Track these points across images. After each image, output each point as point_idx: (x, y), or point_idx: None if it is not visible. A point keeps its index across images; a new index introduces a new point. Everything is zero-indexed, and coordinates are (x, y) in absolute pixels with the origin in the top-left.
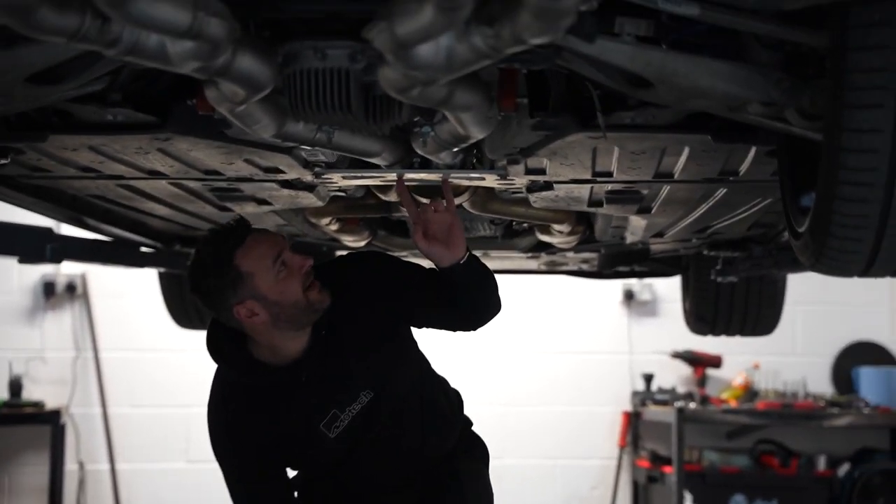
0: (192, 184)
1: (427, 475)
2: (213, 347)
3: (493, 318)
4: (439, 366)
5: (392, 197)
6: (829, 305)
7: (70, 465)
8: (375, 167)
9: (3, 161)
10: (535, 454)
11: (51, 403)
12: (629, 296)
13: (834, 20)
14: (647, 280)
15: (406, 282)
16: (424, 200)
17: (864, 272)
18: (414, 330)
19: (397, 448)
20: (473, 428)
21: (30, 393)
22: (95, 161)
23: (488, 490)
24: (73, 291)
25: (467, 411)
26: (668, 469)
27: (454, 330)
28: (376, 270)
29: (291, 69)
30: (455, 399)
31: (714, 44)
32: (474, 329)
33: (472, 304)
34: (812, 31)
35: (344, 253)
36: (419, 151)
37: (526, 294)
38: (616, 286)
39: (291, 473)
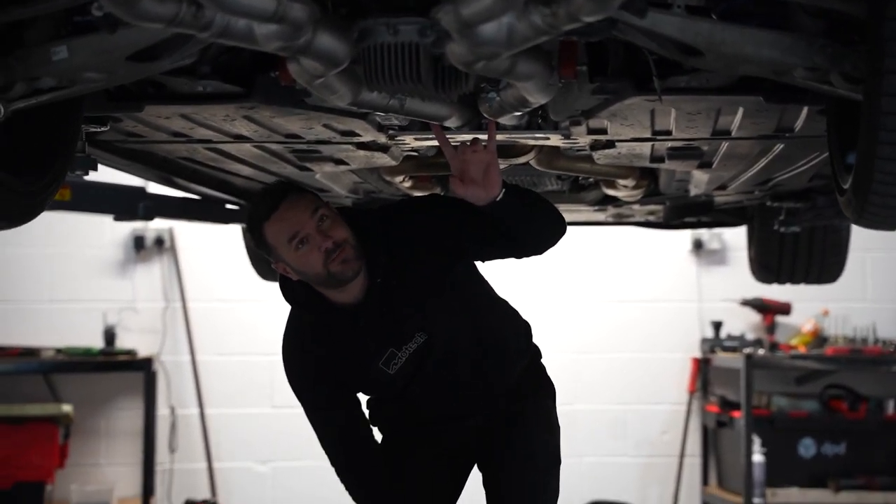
0: (274, 146)
1: (494, 406)
2: (284, 287)
3: (556, 241)
4: None
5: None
6: None
7: (162, 410)
8: (446, 129)
9: (103, 129)
10: (606, 400)
11: (143, 351)
12: (698, 245)
13: None
14: (716, 229)
15: (460, 221)
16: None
17: None
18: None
19: (455, 381)
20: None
21: (123, 342)
22: (186, 127)
23: (554, 426)
24: (162, 245)
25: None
26: (736, 414)
27: (519, 257)
28: (430, 214)
29: (366, 44)
30: (524, 332)
31: (761, 12)
32: (540, 254)
33: (526, 234)
34: (852, 0)
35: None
36: (486, 115)
37: (596, 244)
38: (685, 235)
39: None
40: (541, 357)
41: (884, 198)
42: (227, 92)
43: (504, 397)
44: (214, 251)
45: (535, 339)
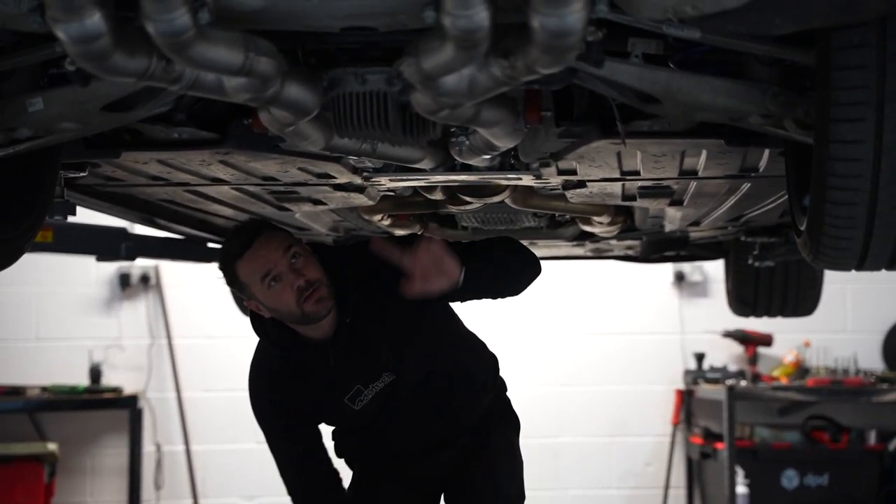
0: (251, 188)
1: (457, 441)
2: (255, 322)
3: (531, 282)
4: (494, 347)
5: (437, 195)
6: (878, 283)
7: (148, 447)
8: (420, 170)
9: (81, 174)
10: (590, 432)
11: (128, 389)
12: (680, 277)
13: (819, 42)
14: (697, 262)
15: None
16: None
17: (859, 267)
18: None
19: (422, 417)
20: (509, 394)
21: (109, 379)
22: (163, 171)
23: (518, 460)
24: (147, 282)
25: (523, 392)
26: (720, 445)
27: (495, 299)
28: None
29: (335, 93)
30: (491, 367)
31: (717, 60)
32: (516, 295)
33: (498, 289)
34: (802, 50)
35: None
36: (456, 158)
37: (579, 277)
38: (667, 268)
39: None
40: (506, 390)
41: (835, 240)
42: (202, 138)
43: (470, 431)
44: (199, 288)
45: (509, 372)
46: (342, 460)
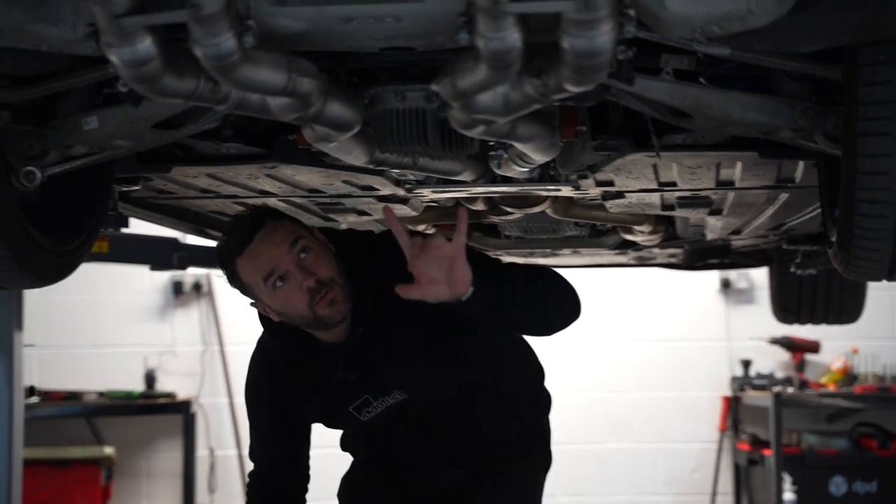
0: (298, 200)
1: (469, 464)
2: (263, 317)
3: (565, 325)
4: (540, 354)
5: (479, 206)
6: None
7: (201, 451)
8: (461, 182)
9: (135, 188)
10: (636, 438)
11: (182, 394)
12: (726, 284)
13: (846, 58)
14: (743, 269)
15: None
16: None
17: (889, 277)
18: None
19: (432, 437)
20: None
21: (163, 385)
22: (213, 184)
23: (537, 495)
24: (200, 290)
25: (570, 398)
26: (767, 452)
27: (519, 332)
28: None
29: (376, 109)
30: (529, 387)
31: (748, 75)
32: (540, 336)
33: (522, 323)
34: (829, 65)
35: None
36: (496, 171)
37: (626, 284)
38: (713, 276)
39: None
40: (548, 411)
41: (864, 251)
42: (249, 153)
43: (487, 456)
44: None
45: (557, 378)
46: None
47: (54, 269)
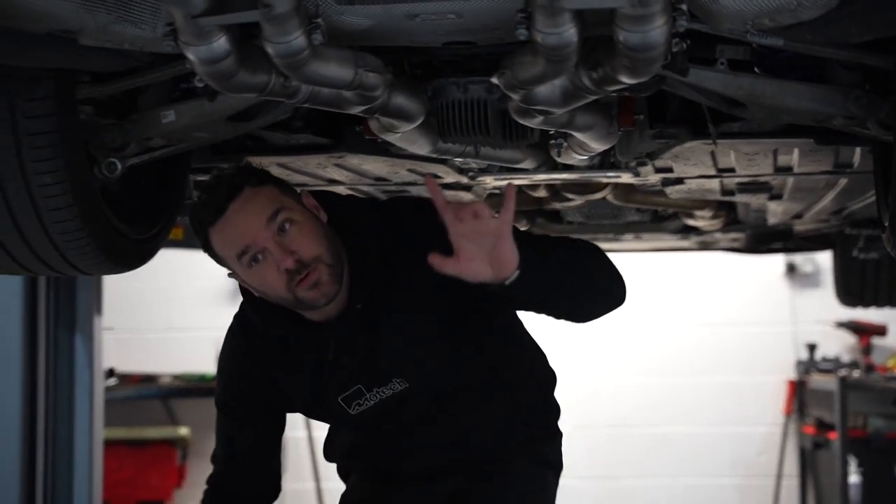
0: (365, 188)
1: (472, 470)
2: (244, 290)
3: (607, 311)
4: (601, 339)
5: (541, 193)
6: None
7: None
8: (522, 169)
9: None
10: (702, 422)
11: None
12: (791, 268)
13: None
14: (808, 253)
15: None
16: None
17: None
18: None
19: (430, 437)
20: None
21: None
22: (283, 174)
23: (548, 497)
24: None
25: (635, 382)
26: (832, 436)
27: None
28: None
29: (439, 101)
30: (538, 388)
31: (802, 65)
32: (581, 322)
33: (561, 309)
34: (882, 55)
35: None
36: (556, 159)
37: (690, 268)
38: (778, 259)
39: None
40: (557, 418)
41: None
42: (317, 143)
43: (487, 464)
44: None
45: (622, 362)
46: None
47: (134, 256)
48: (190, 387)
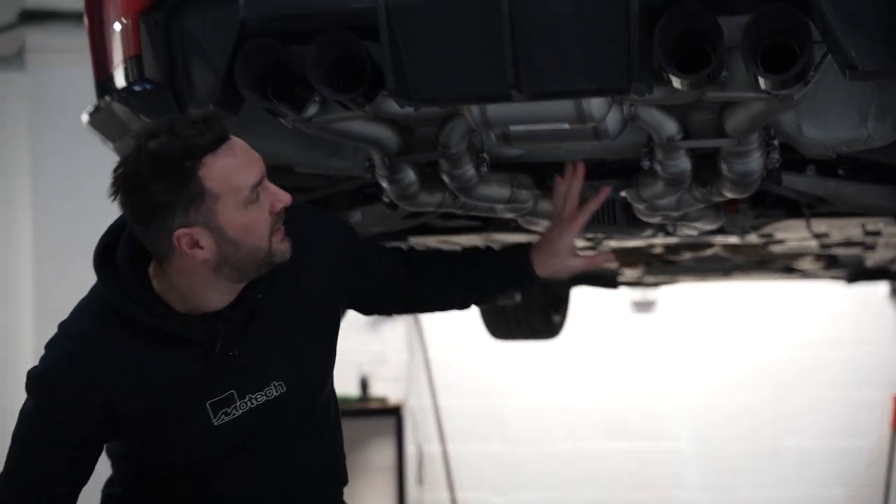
0: None
1: None
2: (103, 261)
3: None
4: (718, 355)
5: (658, 250)
6: None
7: (410, 448)
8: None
9: None
10: (810, 434)
11: (392, 396)
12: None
13: None
14: None
15: (373, 260)
16: None
17: None
18: None
19: (285, 467)
20: None
21: (375, 389)
22: (442, 244)
23: None
24: None
25: (746, 396)
26: None
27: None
28: (346, 235)
29: None
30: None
31: (881, 166)
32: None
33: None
34: None
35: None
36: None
37: (797, 287)
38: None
39: None
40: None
41: None
42: (470, 226)
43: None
44: None
45: (734, 376)
46: None
47: None
48: None
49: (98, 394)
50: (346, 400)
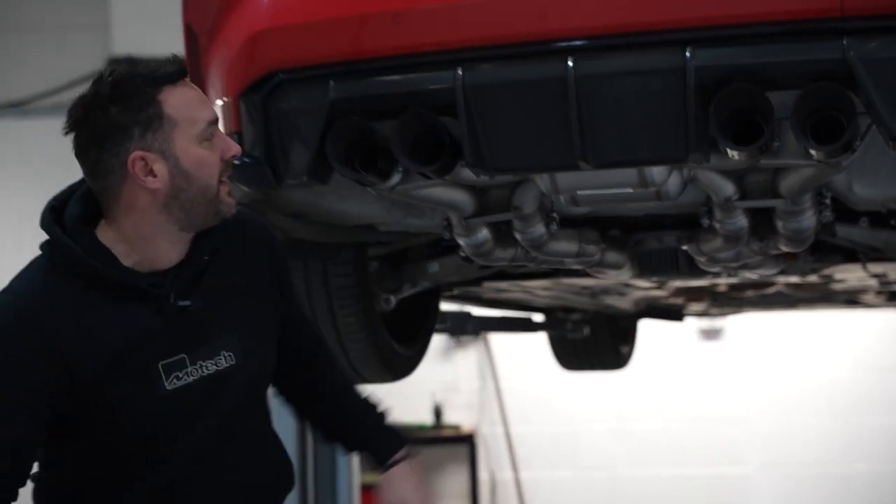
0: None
1: None
2: (52, 220)
3: None
4: (773, 380)
5: (722, 289)
6: None
7: (483, 475)
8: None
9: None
10: (882, 460)
11: (465, 424)
12: None
13: None
14: None
15: (294, 300)
16: None
17: None
18: None
19: (231, 465)
20: None
21: (448, 417)
22: (506, 290)
23: None
24: (477, 335)
25: (819, 423)
26: None
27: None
28: (285, 259)
29: (640, 249)
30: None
31: None
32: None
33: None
34: None
35: None
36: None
37: (862, 315)
38: None
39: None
40: None
41: None
42: (537, 272)
43: None
44: (518, 339)
45: (805, 403)
46: None
47: (403, 370)
48: (410, 437)
49: (51, 347)
50: (421, 428)
